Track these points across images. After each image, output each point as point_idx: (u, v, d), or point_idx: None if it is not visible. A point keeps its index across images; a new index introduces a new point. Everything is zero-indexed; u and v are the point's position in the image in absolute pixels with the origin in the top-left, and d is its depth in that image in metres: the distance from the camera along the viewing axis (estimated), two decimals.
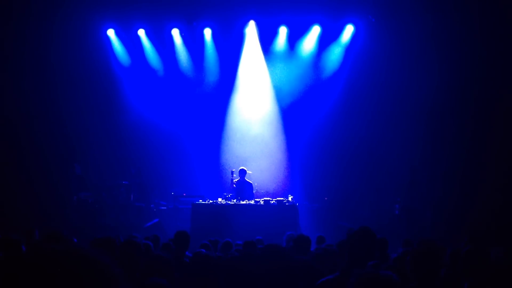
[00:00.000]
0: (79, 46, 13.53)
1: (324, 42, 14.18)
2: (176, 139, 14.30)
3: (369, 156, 13.72)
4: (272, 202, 11.49)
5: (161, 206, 13.47)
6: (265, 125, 14.38)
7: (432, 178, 12.74)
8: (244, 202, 11.59)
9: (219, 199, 11.71)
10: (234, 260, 5.15)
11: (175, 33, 14.22)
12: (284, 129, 14.40)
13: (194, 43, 14.32)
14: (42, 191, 12.42)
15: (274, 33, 14.23)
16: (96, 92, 13.98)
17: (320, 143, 13.94)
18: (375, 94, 13.62)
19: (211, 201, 11.68)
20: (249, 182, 12.40)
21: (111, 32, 14.20)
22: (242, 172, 12.33)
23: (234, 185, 12.06)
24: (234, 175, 12.24)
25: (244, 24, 14.10)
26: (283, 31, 14.14)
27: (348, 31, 14.01)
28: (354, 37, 13.99)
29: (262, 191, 13.06)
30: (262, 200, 11.56)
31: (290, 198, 11.65)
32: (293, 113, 14.32)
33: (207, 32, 14.19)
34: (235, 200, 11.69)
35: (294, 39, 14.22)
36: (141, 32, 14.18)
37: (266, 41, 14.33)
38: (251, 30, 14.19)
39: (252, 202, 11.64)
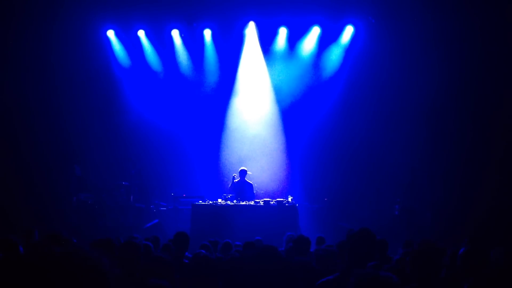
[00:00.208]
0: (79, 47, 13.53)
1: (324, 42, 14.18)
2: (176, 140, 14.31)
3: (369, 157, 13.72)
4: (272, 202, 11.49)
5: (161, 207, 13.46)
6: (265, 125, 14.38)
7: (432, 179, 12.75)
8: (244, 203, 11.59)
9: (219, 200, 11.71)
10: (233, 261, 5.15)
11: (175, 34, 14.23)
12: (284, 130, 14.41)
13: (194, 44, 14.32)
14: (42, 192, 12.42)
15: (274, 34, 14.23)
16: (96, 93, 13.98)
17: (320, 144, 13.94)
18: (375, 95, 13.62)
19: (211, 202, 11.69)
20: (249, 182, 12.41)
21: (111, 33, 14.21)
22: (243, 173, 12.34)
23: (230, 188, 12.07)
24: (235, 181, 12.29)
25: (244, 25, 14.10)
26: (283, 32, 14.14)
27: (348, 32, 14.01)
28: (354, 38, 13.99)
29: (262, 191, 13.07)
30: (262, 201, 11.56)
31: (290, 199, 11.65)
32: (293, 113, 14.33)
33: (207, 33, 14.20)
34: (235, 201, 11.70)
35: (294, 39, 14.23)
36: (141, 33, 14.18)
37: (266, 42, 14.33)
38: (251, 31, 14.19)
39: (252, 202, 11.64)
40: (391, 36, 13.27)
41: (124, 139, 14.07)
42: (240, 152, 14.09)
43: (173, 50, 14.34)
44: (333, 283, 3.59)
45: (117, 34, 14.25)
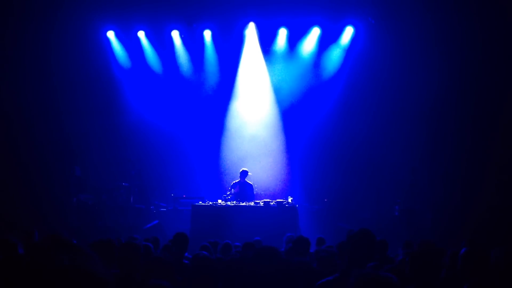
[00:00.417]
0: (79, 48, 13.54)
1: (324, 43, 14.19)
2: (176, 141, 14.31)
3: (369, 158, 13.72)
4: (272, 203, 11.49)
5: (161, 207, 13.46)
6: (265, 126, 14.39)
7: (432, 180, 12.74)
8: (243, 204, 11.59)
9: (219, 201, 11.71)
10: (233, 262, 5.15)
11: (175, 34, 14.23)
12: (284, 131, 14.42)
13: (194, 45, 14.33)
14: (42, 193, 12.41)
15: (274, 35, 14.24)
16: (96, 94, 13.98)
17: (320, 145, 13.94)
18: (375, 96, 13.62)
19: (210, 203, 11.69)
20: (249, 183, 12.42)
21: (111, 34, 14.21)
22: (244, 174, 12.35)
23: (230, 194, 12.09)
24: (235, 181, 12.34)
25: (244, 25, 14.11)
26: (282, 33, 14.15)
27: (348, 32, 14.02)
28: (353, 39, 13.99)
29: (262, 192, 13.08)
30: (262, 202, 11.56)
31: (290, 200, 11.65)
32: (293, 114, 14.34)
33: (207, 34, 14.20)
34: (235, 202, 11.70)
35: (294, 40, 14.23)
36: (141, 34, 14.19)
37: (266, 42, 14.34)
38: (251, 32, 14.20)
39: (252, 203, 11.64)
40: (391, 37, 13.27)
41: (124, 140, 14.07)
42: (240, 152, 14.10)
43: (173, 51, 14.35)
44: (333, 283, 3.59)
45: (117, 35, 14.25)
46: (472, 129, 12.52)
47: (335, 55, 14.24)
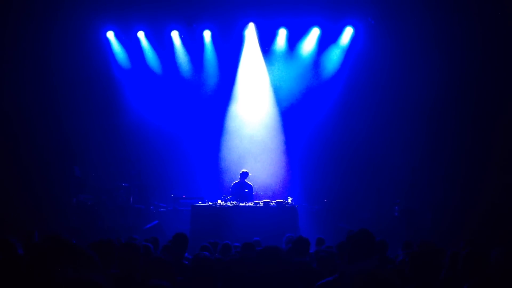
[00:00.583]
0: (78, 48, 13.53)
1: (324, 44, 14.19)
2: (175, 141, 14.31)
3: (368, 158, 13.72)
4: (271, 204, 11.49)
5: (161, 208, 13.46)
6: (264, 126, 14.39)
7: (432, 180, 12.74)
8: (243, 204, 11.59)
9: (219, 201, 11.71)
10: (232, 262, 5.15)
11: (175, 35, 14.23)
12: (284, 131, 14.41)
13: (193, 45, 14.33)
14: (41, 193, 12.41)
15: (274, 35, 14.24)
16: (95, 94, 13.98)
17: (320, 145, 13.94)
18: (375, 96, 13.62)
19: (210, 203, 11.69)
20: (249, 183, 12.42)
21: (110, 34, 14.21)
22: (244, 175, 12.35)
23: (230, 195, 12.12)
24: (235, 182, 12.35)
25: (244, 26, 14.11)
26: (282, 33, 14.15)
27: (348, 33, 14.02)
28: (353, 39, 13.99)
29: (262, 193, 13.08)
30: (261, 202, 11.56)
31: (289, 200, 11.65)
32: (292, 114, 14.33)
33: (207, 34, 14.20)
34: (234, 202, 11.70)
35: (293, 41, 14.23)
36: (141, 34, 14.19)
37: (266, 43, 14.34)
38: (250, 32, 14.20)
39: (252, 204, 11.64)
40: (390, 37, 13.27)
41: (124, 140, 14.07)
42: (239, 153, 14.10)
43: (172, 51, 14.34)
44: (332, 284, 3.59)
45: (116, 35, 14.25)
46: (472, 129, 12.52)
47: (334, 55, 14.25)
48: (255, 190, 12.61)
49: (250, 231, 9.88)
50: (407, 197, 12.45)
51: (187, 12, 13.72)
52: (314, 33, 14.08)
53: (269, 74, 14.51)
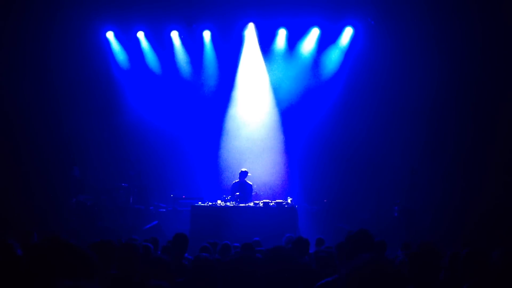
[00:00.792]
0: (78, 48, 13.52)
1: (323, 44, 14.19)
2: (175, 141, 14.30)
3: (368, 158, 13.71)
4: (271, 204, 11.49)
5: (160, 208, 13.45)
6: (264, 127, 14.38)
7: (431, 180, 12.73)
8: (243, 205, 11.58)
9: (218, 201, 11.70)
10: (232, 262, 5.14)
11: (174, 35, 14.23)
12: (283, 131, 14.41)
13: (193, 45, 14.32)
14: (41, 193, 12.40)
15: (273, 35, 14.24)
16: (95, 94, 13.97)
17: (320, 145, 13.93)
18: (375, 96, 13.62)
19: (210, 203, 11.68)
20: (249, 183, 12.42)
21: (110, 34, 14.20)
22: (243, 174, 12.34)
23: (230, 196, 12.12)
24: (235, 181, 12.35)
25: (243, 26, 14.11)
26: (282, 33, 14.15)
27: (347, 33, 14.02)
28: (353, 40, 13.99)
29: (262, 193, 13.08)
30: (261, 202, 11.55)
31: (289, 200, 11.65)
32: (292, 115, 14.33)
33: (206, 34, 14.19)
34: (234, 202, 11.69)
35: (293, 41, 14.23)
36: (140, 34, 14.18)
37: (265, 43, 14.33)
38: (250, 32, 14.19)
39: (251, 204, 11.64)
40: (390, 37, 13.27)
41: (123, 140, 14.06)
42: (239, 153, 14.09)
43: (172, 51, 14.34)
44: (332, 285, 3.59)
45: (116, 36, 14.25)
46: (472, 129, 12.52)
47: (334, 56, 14.24)
48: (254, 190, 12.60)
49: (249, 231, 9.88)
50: (407, 197, 12.44)
51: (186, 12, 13.72)
52: (314, 33, 14.08)
53: (269, 74, 14.50)
